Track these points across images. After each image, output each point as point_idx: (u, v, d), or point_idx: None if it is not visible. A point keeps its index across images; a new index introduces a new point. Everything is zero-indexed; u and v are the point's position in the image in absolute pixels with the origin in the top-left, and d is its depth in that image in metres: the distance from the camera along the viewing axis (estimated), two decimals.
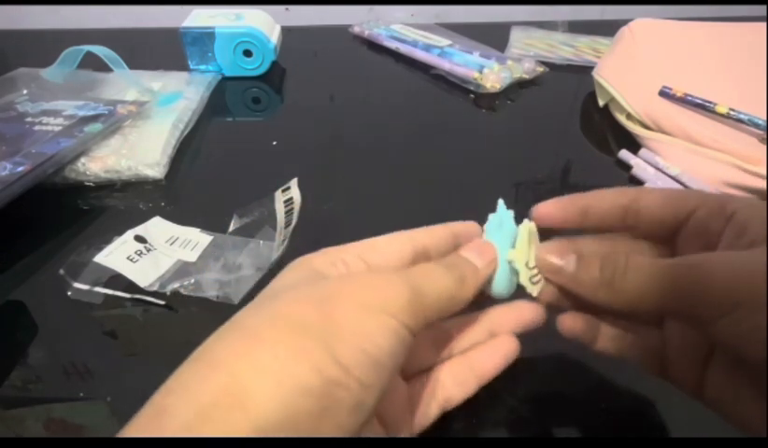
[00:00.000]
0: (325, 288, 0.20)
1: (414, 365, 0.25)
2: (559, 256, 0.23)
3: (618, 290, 0.20)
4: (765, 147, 0.43)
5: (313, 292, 0.19)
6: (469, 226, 0.26)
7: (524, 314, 0.25)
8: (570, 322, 0.24)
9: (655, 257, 0.22)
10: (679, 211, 0.22)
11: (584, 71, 0.59)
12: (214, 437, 0.15)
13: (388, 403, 0.23)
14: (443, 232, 0.25)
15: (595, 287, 0.21)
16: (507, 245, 0.24)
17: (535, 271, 0.24)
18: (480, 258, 0.23)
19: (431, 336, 0.26)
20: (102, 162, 0.43)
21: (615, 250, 0.22)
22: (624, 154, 0.47)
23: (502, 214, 0.25)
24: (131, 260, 0.33)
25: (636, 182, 0.45)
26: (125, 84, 0.54)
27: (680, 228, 0.22)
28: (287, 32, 0.66)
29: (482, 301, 0.25)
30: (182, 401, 0.16)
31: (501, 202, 0.25)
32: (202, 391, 0.16)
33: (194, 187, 0.45)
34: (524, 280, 0.24)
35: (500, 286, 0.24)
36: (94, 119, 0.46)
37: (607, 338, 0.24)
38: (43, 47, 0.62)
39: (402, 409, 0.24)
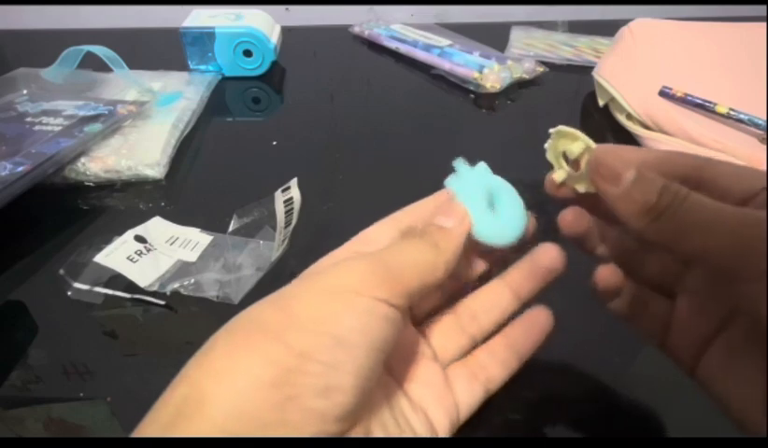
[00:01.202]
0: (290, 287, 0.20)
1: (449, 350, 0.25)
2: (621, 159, 0.20)
3: (671, 221, 0.18)
4: (765, 146, 0.43)
5: (278, 294, 0.20)
6: (440, 194, 0.25)
7: (541, 260, 0.25)
8: (608, 274, 0.23)
9: None
10: (749, 188, 0.20)
11: (584, 71, 0.59)
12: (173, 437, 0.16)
13: (424, 388, 0.23)
14: (425, 207, 0.25)
15: (646, 212, 0.19)
16: (479, 194, 0.24)
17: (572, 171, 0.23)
18: (449, 218, 0.23)
19: (454, 320, 0.26)
20: (102, 162, 0.43)
21: None
22: None
23: (464, 172, 0.24)
24: (131, 260, 0.33)
25: None
26: (125, 84, 0.54)
27: (743, 205, 0.20)
28: (287, 32, 0.66)
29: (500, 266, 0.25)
30: (150, 420, 0.17)
31: (459, 160, 0.24)
32: (166, 405, 0.17)
33: (194, 187, 0.45)
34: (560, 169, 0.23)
35: (491, 231, 0.23)
36: (94, 119, 0.46)
37: (626, 298, 0.24)
38: (43, 47, 0.62)
39: (441, 395, 0.24)
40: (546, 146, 0.23)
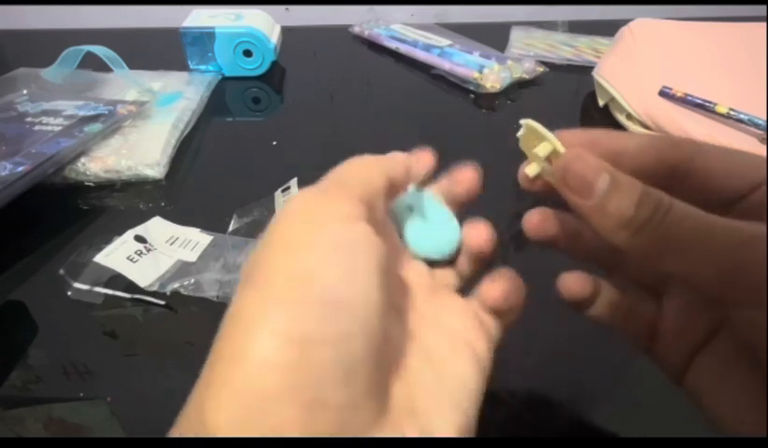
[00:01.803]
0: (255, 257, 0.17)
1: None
2: (592, 168, 0.17)
3: (651, 236, 0.16)
4: (765, 146, 0.43)
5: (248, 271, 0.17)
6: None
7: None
8: (572, 282, 0.21)
9: None
10: (747, 180, 0.17)
11: (584, 71, 0.59)
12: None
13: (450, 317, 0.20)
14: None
15: (622, 226, 0.16)
16: (413, 211, 0.23)
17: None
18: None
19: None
20: (102, 162, 0.43)
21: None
22: None
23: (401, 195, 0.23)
24: (131, 260, 0.33)
25: None
26: (125, 84, 0.54)
27: (741, 199, 0.18)
28: (287, 32, 0.66)
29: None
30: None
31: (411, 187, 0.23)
32: (178, 428, 0.16)
33: (194, 187, 0.45)
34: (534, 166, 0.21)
35: (426, 244, 0.22)
36: (94, 118, 0.46)
37: (604, 304, 0.22)
38: (43, 47, 0.62)
39: (471, 320, 0.21)
40: (518, 135, 0.21)
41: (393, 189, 0.20)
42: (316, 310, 0.14)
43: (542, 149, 0.20)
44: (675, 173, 0.18)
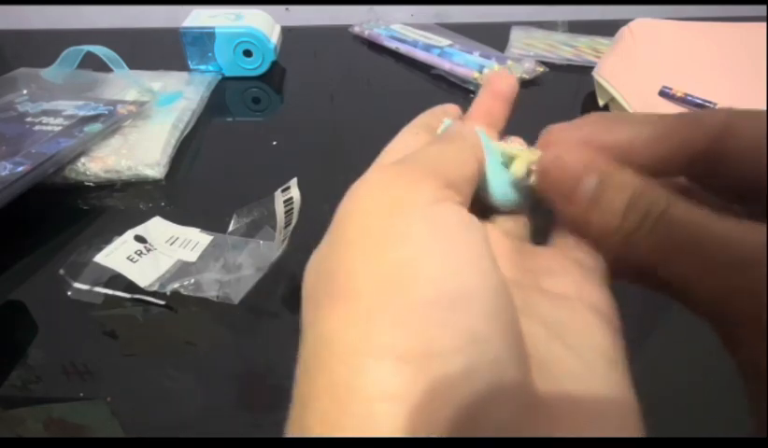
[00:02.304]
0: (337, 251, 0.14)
1: None
2: (573, 170, 0.15)
3: (641, 245, 0.14)
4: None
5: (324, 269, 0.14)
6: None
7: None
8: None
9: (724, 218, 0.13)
10: None
11: (584, 71, 0.59)
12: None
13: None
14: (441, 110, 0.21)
15: (610, 233, 0.14)
16: (492, 151, 0.19)
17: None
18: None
19: None
20: (102, 162, 0.43)
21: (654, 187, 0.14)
22: None
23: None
24: (131, 260, 0.33)
25: None
26: (125, 84, 0.54)
27: None
28: (287, 32, 0.66)
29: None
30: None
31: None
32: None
33: (194, 187, 0.45)
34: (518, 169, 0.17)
35: (502, 190, 0.18)
36: (94, 118, 0.46)
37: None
38: (43, 47, 0.62)
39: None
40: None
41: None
42: (429, 314, 0.11)
43: (518, 168, 0.17)
44: (705, 160, 0.15)
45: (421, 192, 0.13)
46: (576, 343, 0.14)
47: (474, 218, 0.14)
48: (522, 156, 0.17)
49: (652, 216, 0.13)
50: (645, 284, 0.18)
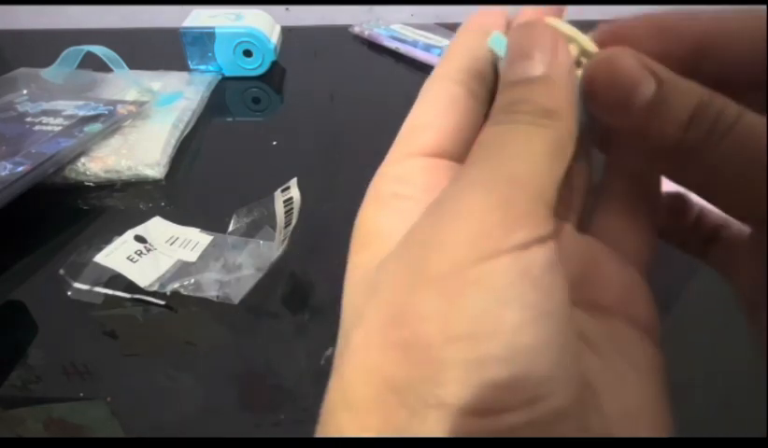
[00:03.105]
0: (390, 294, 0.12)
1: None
2: (631, 72, 0.12)
3: (706, 163, 0.12)
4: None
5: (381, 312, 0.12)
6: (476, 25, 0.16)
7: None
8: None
9: None
10: None
11: None
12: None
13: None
14: (471, 49, 0.16)
15: (668, 149, 0.12)
16: None
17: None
18: (534, 59, 0.13)
19: None
20: (102, 162, 0.44)
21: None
22: None
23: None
24: (131, 260, 0.33)
25: None
26: (125, 84, 0.54)
27: None
28: (287, 32, 0.66)
29: None
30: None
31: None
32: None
33: (194, 187, 0.45)
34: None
35: None
36: (94, 118, 0.46)
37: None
38: (43, 47, 0.62)
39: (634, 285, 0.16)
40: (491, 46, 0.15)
41: None
42: (498, 373, 0.11)
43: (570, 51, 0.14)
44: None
45: (517, 236, 0.11)
46: (616, 360, 0.14)
47: (557, 259, 0.12)
48: (578, 40, 0.14)
49: (721, 127, 0.12)
50: (695, 236, 0.16)
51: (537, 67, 0.13)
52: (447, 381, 0.11)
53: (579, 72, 0.14)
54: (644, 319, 0.15)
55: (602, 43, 0.14)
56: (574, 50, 0.14)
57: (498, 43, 0.15)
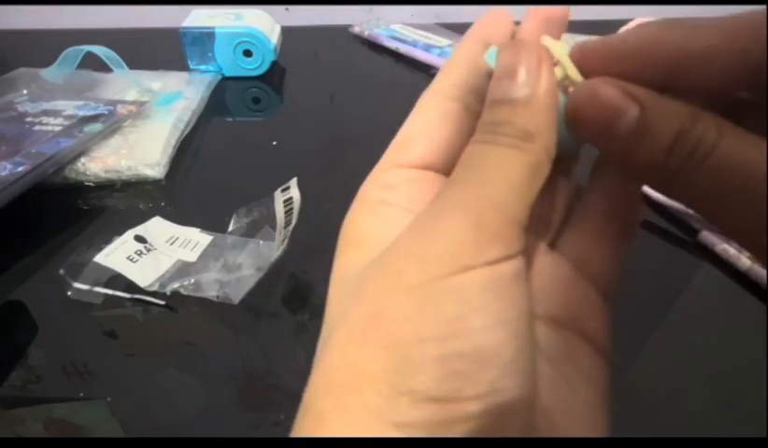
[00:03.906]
0: (370, 294, 0.14)
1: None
2: (618, 96, 0.13)
3: (689, 185, 0.12)
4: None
5: (359, 315, 0.14)
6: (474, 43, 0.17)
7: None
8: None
9: None
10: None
11: None
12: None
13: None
14: (464, 68, 0.17)
15: (653, 173, 0.13)
16: None
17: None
18: (516, 81, 0.14)
19: None
20: (102, 162, 0.44)
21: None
22: None
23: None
24: (131, 260, 0.33)
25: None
26: (125, 84, 0.54)
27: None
28: (287, 32, 0.66)
29: None
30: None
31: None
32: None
33: (194, 187, 0.45)
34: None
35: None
36: (94, 118, 0.46)
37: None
38: (43, 47, 0.62)
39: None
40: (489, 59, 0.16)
41: None
42: (459, 368, 0.12)
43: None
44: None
45: (488, 254, 0.13)
46: (566, 368, 0.15)
47: (523, 274, 0.14)
48: (561, 65, 0.15)
49: (702, 150, 0.12)
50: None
51: (521, 89, 0.14)
52: (416, 373, 0.12)
53: (561, 95, 0.15)
54: (596, 336, 0.16)
55: (585, 64, 0.15)
56: (559, 73, 0.15)
57: (494, 58, 0.15)
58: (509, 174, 0.13)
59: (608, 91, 0.13)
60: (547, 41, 0.15)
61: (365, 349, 0.13)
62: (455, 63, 0.17)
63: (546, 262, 0.17)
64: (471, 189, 0.14)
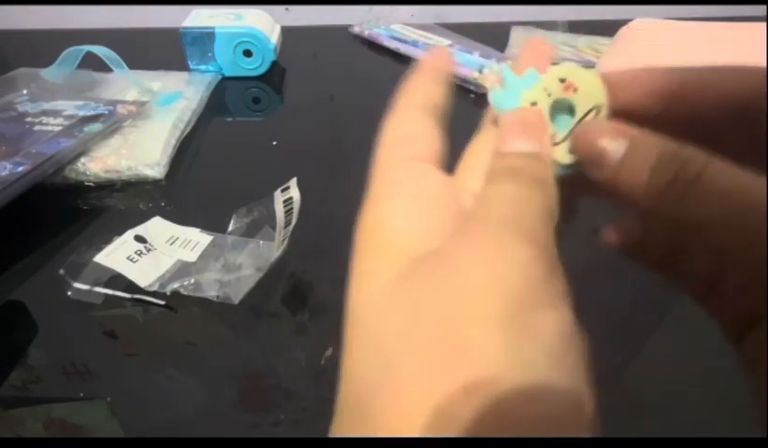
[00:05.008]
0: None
1: None
2: (607, 136, 0.15)
3: (675, 208, 0.13)
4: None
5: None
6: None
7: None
8: (613, 236, 0.17)
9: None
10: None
11: None
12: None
13: None
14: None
15: (636, 197, 0.14)
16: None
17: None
18: (527, 138, 0.16)
19: None
20: (102, 162, 0.44)
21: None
22: None
23: (513, 82, 0.18)
24: (131, 260, 0.33)
25: None
26: (125, 84, 0.54)
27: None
28: (287, 32, 0.66)
29: None
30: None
31: (505, 66, 0.19)
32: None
33: (194, 187, 0.45)
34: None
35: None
36: (94, 118, 0.46)
37: (651, 246, 0.17)
38: (43, 47, 0.62)
39: None
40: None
41: None
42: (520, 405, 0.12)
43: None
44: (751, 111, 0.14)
45: (545, 292, 0.14)
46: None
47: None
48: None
49: (688, 173, 0.13)
50: (668, 273, 0.17)
51: (533, 145, 0.16)
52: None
53: (549, 101, 0.18)
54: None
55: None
56: (556, 84, 0.18)
57: (500, 101, 0.18)
58: (534, 210, 0.15)
59: (599, 133, 0.15)
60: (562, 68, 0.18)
61: (452, 393, 0.12)
62: (411, 90, 0.21)
63: None
64: (507, 223, 0.14)
